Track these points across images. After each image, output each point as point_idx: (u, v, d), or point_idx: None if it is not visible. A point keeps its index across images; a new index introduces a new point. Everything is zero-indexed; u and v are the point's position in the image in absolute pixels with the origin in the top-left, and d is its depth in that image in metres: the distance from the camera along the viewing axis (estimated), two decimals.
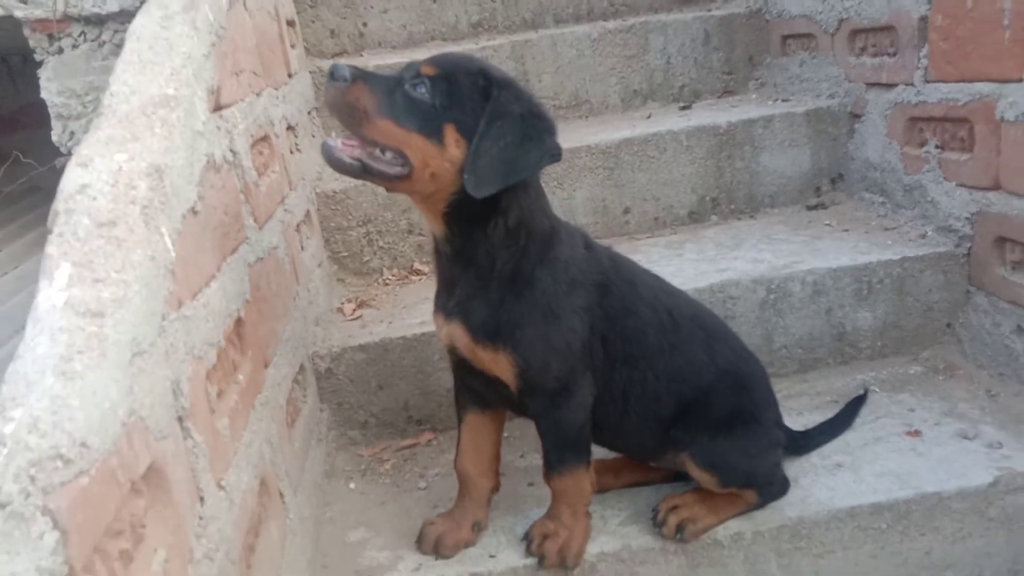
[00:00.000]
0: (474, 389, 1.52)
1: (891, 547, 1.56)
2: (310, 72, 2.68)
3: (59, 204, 1.04)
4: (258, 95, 1.80)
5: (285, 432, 1.53)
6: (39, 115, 4.11)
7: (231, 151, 1.47)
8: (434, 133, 1.29)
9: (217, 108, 1.45)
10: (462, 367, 1.48)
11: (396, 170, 1.32)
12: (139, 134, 1.16)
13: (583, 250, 1.48)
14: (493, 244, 1.37)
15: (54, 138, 2.38)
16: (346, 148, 1.32)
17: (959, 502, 1.56)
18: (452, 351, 1.46)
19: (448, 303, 1.44)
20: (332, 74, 1.29)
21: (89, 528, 0.76)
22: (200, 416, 1.08)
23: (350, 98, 1.28)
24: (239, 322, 1.34)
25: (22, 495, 0.72)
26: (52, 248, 0.98)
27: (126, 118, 1.19)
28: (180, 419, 1.02)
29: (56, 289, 0.93)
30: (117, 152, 1.11)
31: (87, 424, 0.80)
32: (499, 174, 1.29)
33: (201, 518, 1.03)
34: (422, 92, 1.30)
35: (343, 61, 1.36)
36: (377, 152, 1.32)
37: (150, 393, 0.94)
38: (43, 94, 2.37)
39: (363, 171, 1.32)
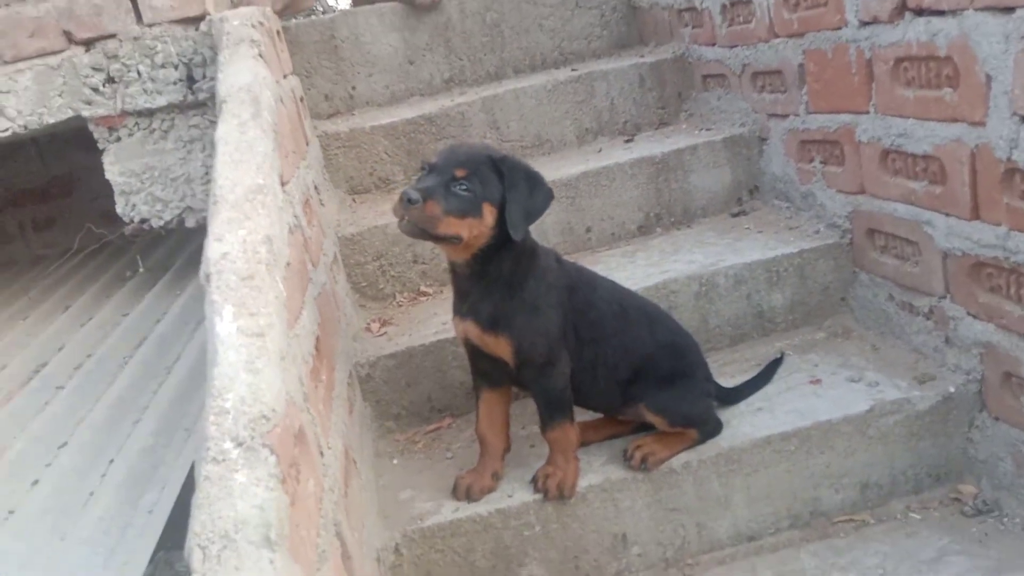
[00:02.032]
0: (485, 371, 2.08)
1: (800, 463, 2.11)
2: (317, 136, 3.22)
3: (210, 267, 1.58)
4: (298, 168, 2.35)
5: (349, 419, 2.08)
6: (66, 187, 4.65)
7: (295, 216, 2.02)
8: (477, 212, 1.87)
9: (283, 185, 1.99)
10: (475, 354, 2.05)
11: (452, 241, 1.89)
12: (249, 214, 1.70)
13: (555, 263, 2.07)
14: (501, 262, 1.96)
15: (119, 210, 2.91)
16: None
17: (846, 426, 2.11)
18: (467, 342, 2.04)
19: (463, 308, 2.02)
20: (410, 200, 1.79)
21: (285, 456, 1.30)
22: (313, 400, 1.62)
23: (428, 212, 1.81)
24: (317, 339, 1.88)
25: (251, 438, 1.26)
26: (215, 296, 1.52)
27: (236, 204, 1.73)
28: (305, 400, 1.56)
29: (227, 321, 1.46)
30: (239, 229, 1.65)
31: (272, 399, 1.34)
32: (526, 221, 1.93)
33: (324, 464, 1.57)
34: (464, 189, 1.86)
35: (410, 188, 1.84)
36: None
37: (291, 383, 1.48)
38: (107, 175, 2.89)
39: (433, 239, 1.89)
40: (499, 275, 1.97)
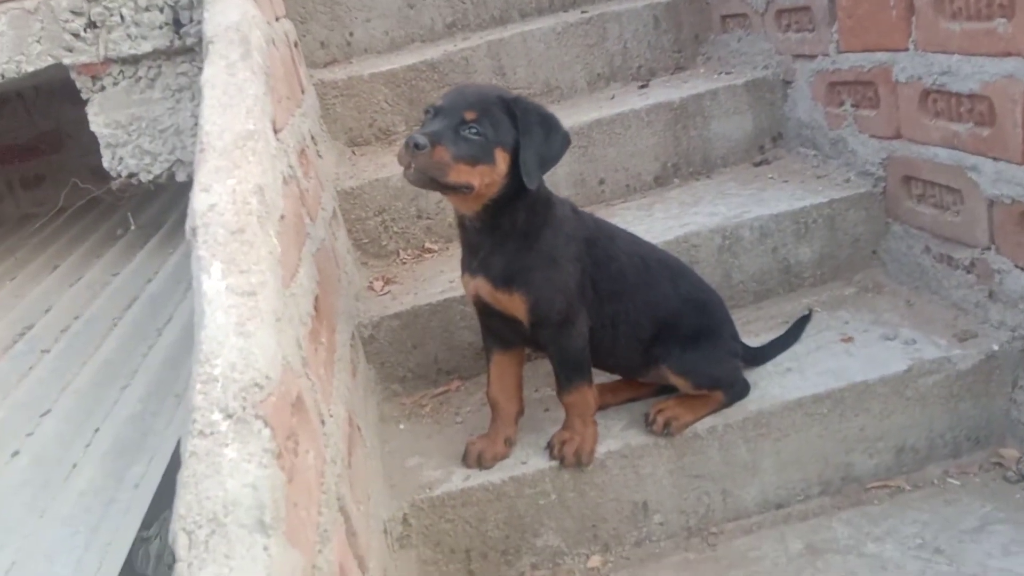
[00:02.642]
0: (497, 332, 1.94)
1: (832, 427, 1.99)
2: (314, 85, 3.04)
3: (196, 220, 1.43)
4: (293, 116, 2.19)
5: (352, 382, 1.94)
6: (54, 142, 4.48)
7: (289, 166, 1.86)
8: (490, 158, 1.71)
9: (276, 133, 1.84)
10: (486, 313, 1.91)
11: (463, 190, 1.73)
12: (238, 163, 1.55)
13: (571, 213, 1.91)
14: (515, 213, 1.80)
15: (105, 164, 2.75)
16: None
17: (882, 387, 1.98)
18: (477, 300, 1.89)
19: (472, 264, 1.86)
20: (416, 145, 1.63)
21: (280, 428, 1.17)
22: (312, 364, 1.49)
23: (437, 158, 1.65)
24: (317, 298, 1.74)
25: (241, 408, 1.12)
26: (202, 251, 1.37)
27: (224, 151, 1.58)
28: (303, 364, 1.42)
29: (215, 279, 1.32)
30: (227, 178, 1.50)
31: (266, 364, 1.20)
32: (541, 167, 1.77)
33: (325, 434, 1.44)
34: (475, 132, 1.69)
35: (417, 131, 1.70)
36: None
37: (288, 347, 1.34)
38: (92, 127, 2.73)
39: (442, 187, 1.72)
40: (512, 228, 1.82)
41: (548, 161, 1.81)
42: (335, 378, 1.69)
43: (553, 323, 1.85)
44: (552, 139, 1.79)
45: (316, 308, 1.73)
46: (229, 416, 1.12)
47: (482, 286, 1.85)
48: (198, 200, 1.47)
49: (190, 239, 1.44)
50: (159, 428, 1.74)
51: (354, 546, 1.45)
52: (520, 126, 1.74)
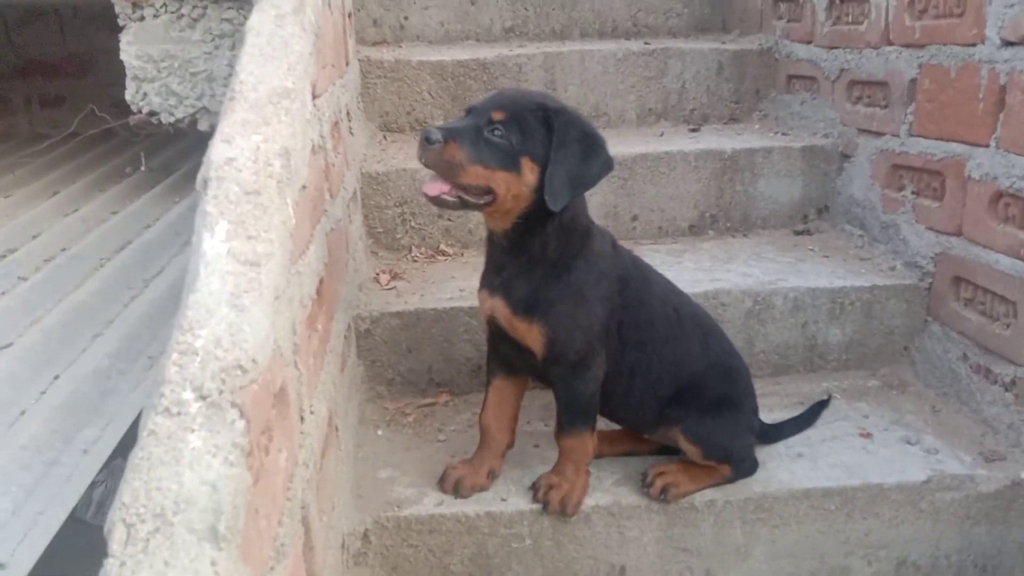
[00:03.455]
0: (504, 356, 1.79)
1: (837, 525, 1.85)
2: (359, 60, 2.92)
3: (210, 172, 1.29)
4: (334, 85, 2.06)
5: (339, 377, 1.80)
6: (82, 66, 4.34)
7: (321, 136, 1.73)
8: (514, 166, 1.57)
9: (314, 98, 1.70)
10: (498, 336, 1.76)
11: (485, 199, 1.59)
12: (268, 120, 1.41)
13: (611, 248, 1.76)
14: (546, 237, 1.65)
15: (127, 97, 2.62)
16: (450, 191, 1.57)
17: (897, 493, 1.85)
18: (491, 321, 1.74)
19: (494, 282, 1.71)
20: (428, 139, 1.52)
21: (257, 421, 1.03)
22: (303, 353, 1.35)
23: (447, 156, 1.54)
24: (321, 281, 1.60)
25: (218, 391, 0.98)
26: (210, 207, 1.23)
27: (256, 104, 1.44)
28: (294, 352, 1.28)
29: (218, 240, 1.18)
30: (253, 134, 1.37)
31: (255, 345, 1.06)
32: (570, 189, 1.59)
33: (302, 433, 1.30)
34: (499, 135, 1.56)
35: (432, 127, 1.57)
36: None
37: (282, 329, 1.20)
38: (122, 56, 2.59)
39: (461, 204, 1.60)
40: (543, 252, 1.66)
41: (580, 184, 1.63)
42: (323, 370, 1.55)
43: (568, 362, 1.70)
44: (591, 161, 1.62)
45: (319, 291, 1.59)
46: (203, 398, 0.98)
47: (500, 308, 1.70)
48: (217, 151, 1.33)
49: (199, 191, 1.30)
50: (123, 390, 1.59)
51: (309, 562, 1.30)
52: (556, 138, 1.58)
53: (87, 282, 2.06)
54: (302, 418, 1.31)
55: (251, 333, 1.06)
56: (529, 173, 1.58)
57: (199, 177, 1.32)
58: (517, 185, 1.58)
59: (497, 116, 1.58)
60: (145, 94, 2.57)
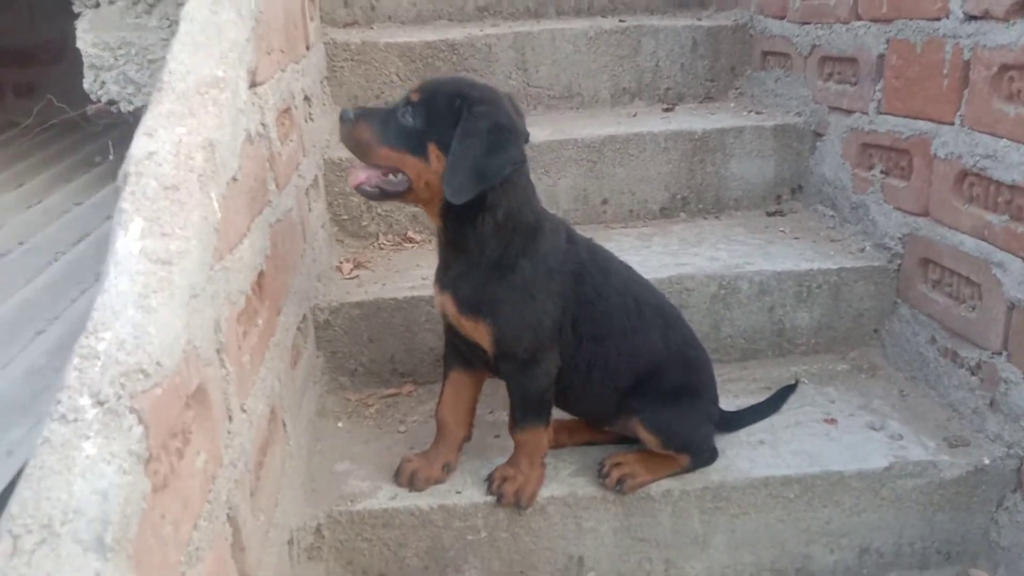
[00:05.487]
0: (460, 350, 1.76)
1: (796, 514, 1.82)
2: (324, 43, 2.86)
3: (130, 167, 1.26)
4: (283, 71, 2.01)
5: (289, 371, 1.77)
6: (54, 52, 4.28)
7: (262, 125, 1.69)
8: (420, 151, 1.54)
9: (253, 86, 1.66)
10: (451, 331, 1.73)
11: (402, 187, 1.59)
12: (195, 111, 1.37)
13: (564, 243, 1.71)
14: (482, 235, 1.61)
15: (85, 86, 2.57)
16: (367, 179, 1.58)
17: (857, 481, 1.82)
18: (444, 316, 1.71)
19: (444, 277, 1.68)
20: (341, 117, 1.54)
21: (160, 427, 1.00)
22: (231, 351, 1.32)
23: (356, 135, 1.55)
24: (261, 274, 1.56)
25: (116, 397, 0.95)
26: (126, 204, 1.20)
27: (183, 95, 1.40)
28: (218, 351, 1.25)
29: (131, 239, 1.15)
30: (177, 126, 1.33)
31: (160, 348, 1.03)
32: (471, 182, 1.51)
33: (229, 432, 1.27)
34: (408, 118, 1.54)
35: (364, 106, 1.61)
36: (389, 175, 1.59)
37: (200, 328, 1.17)
38: (79, 44, 2.55)
39: (381, 194, 1.61)
40: (481, 248, 1.62)
41: (483, 177, 1.52)
42: (263, 366, 1.52)
43: (518, 360, 1.67)
44: (495, 155, 1.52)
45: (259, 285, 1.56)
46: (100, 403, 0.95)
47: (448, 305, 1.67)
48: (138, 145, 1.30)
49: (119, 186, 1.27)
50: (56, 389, 1.55)
51: (239, 562, 1.28)
52: (461, 127, 1.52)
53: (39, 276, 2.03)
54: (230, 417, 1.29)
55: (157, 335, 1.03)
56: (436, 161, 1.55)
57: (120, 172, 1.29)
58: (427, 172, 1.56)
59: (414, 98, 1.56)
60: (103, 83, 2.53)
